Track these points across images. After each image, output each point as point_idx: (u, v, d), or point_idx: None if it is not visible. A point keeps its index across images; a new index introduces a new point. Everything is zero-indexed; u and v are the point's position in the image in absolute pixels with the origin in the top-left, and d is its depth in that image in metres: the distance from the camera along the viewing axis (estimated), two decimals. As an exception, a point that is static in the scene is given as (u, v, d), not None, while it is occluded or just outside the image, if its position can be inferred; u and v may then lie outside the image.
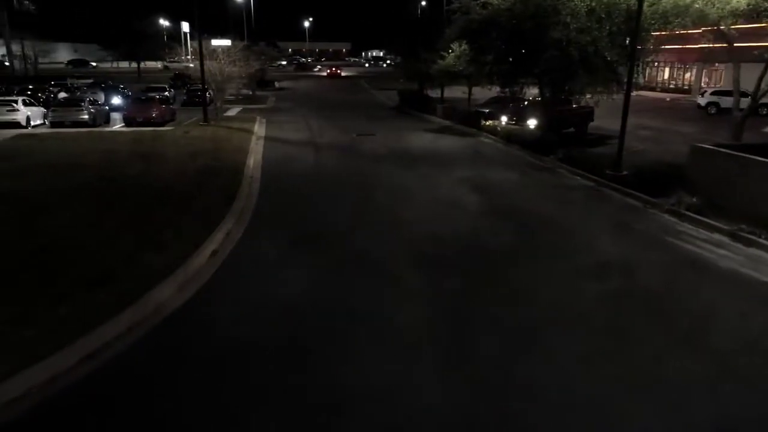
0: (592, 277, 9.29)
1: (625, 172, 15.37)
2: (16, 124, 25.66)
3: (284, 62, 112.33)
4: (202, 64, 26.14)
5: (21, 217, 11.21)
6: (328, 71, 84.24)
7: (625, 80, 15.84)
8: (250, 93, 45.69)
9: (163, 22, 77.32)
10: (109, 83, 44.96)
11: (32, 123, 26.66)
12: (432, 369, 6.44)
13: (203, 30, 29.60)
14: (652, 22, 17.27)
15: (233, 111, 35.53)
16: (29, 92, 37.65)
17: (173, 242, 9.86)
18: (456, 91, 35.27)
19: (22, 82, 46.21)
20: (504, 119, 26.53)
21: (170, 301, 7.97)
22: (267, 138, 24.01)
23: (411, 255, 10.16)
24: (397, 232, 11.53)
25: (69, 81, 49.69)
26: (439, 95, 36.18)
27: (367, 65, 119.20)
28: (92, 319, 6.99)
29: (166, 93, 39.36)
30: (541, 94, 21.18)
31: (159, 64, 61.90)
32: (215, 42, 31.12)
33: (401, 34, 41.39)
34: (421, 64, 35.23)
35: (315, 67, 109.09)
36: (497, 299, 8.39)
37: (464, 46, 26.36)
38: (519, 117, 26.39)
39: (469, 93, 30.84)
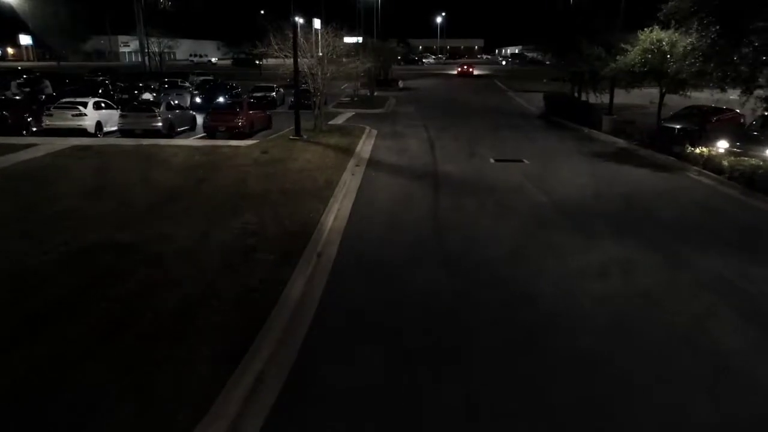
0: None
1: None
2: (83, 132, 21.55)
3: (428, 59, 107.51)
4: (295, 62, 20.03)
5: None
6: (458, 69, 76.33)
7: None
8: (368, 94, 39.82)
9: (299, 20, 75.07)
10: (218, 80, 41.44)
11: (105, 129, 22.47)
12: None
13: (329, 24, 24.50)
14: None
15: (342, 117, 29.53)
16: (136, 91, 34.91)
17: None
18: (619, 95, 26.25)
19: (136, 79, 44.36)
20: (723, 144, 17.47)
21: None
22: (370, 163, 17.28)
23: None
24: None
25: (190, 78, 47.44)
26: (598, 100, 27.38)
27: (504, 63, 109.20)
28: None
29: (273, 94, 34.58)
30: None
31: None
32: (348, 39, 26.55)
33: (553, 26, 32.89)
34: (581, 61, 26.84)
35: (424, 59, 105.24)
36: None
37: (672, 34, 17.74)
38: (741, 141, 17.26)
39: (660, 102, 21.68)
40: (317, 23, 24.34)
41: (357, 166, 16.62)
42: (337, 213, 11.55)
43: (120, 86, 37.28)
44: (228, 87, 37.53)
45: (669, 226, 11.38)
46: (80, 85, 37.39)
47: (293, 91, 31.63)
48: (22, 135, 21.54)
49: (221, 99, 28.99)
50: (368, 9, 65.29)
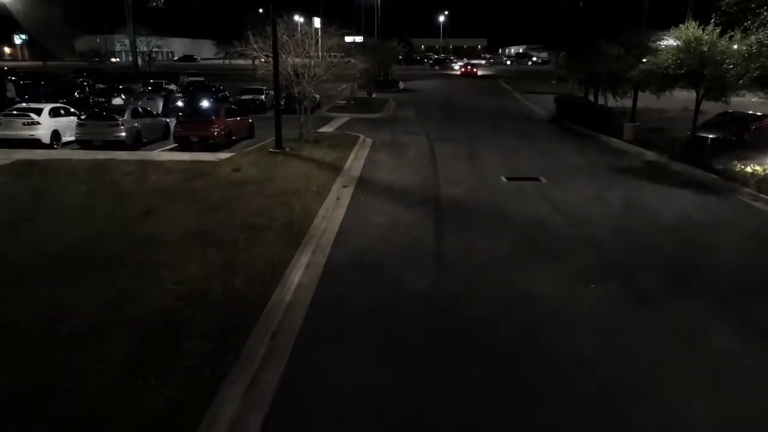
0: None
1: None
2: (36, 143, 18.93)
3: (431, 60, 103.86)
4: (275, 61, 17.34)
5: None
6: (462, 69, 74.36)
7: None
8: (366, 96, 37.22)
9: (299, 19, 72.58)
10: (206, 82, 38.88)
11: (64, 139, 19.82)
12: None
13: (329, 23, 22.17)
14: None
15: (335, 123, 26.97)
16: (115, 93, 32.23)
17: None
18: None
19: (122, 80, 41.85)
20: (777, 161, 14.82)
21: None
22: (360, 184, 14.61)
23: None
24: None
25: (180, 78, 44.88)
26: (618, 104, 24.58)
27: (508, 62, 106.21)
28: None
29: (263, 96, 31.89)
30: None
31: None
32: (349, 38, 24.52)
33: (565, 24, 30.23)
34: (597, 61, 24.21)
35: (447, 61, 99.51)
36: None
37: (713, 32, 15.08)
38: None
39: (697, 108, 18.86)
40: (317, 22, 21.95)
41: (344, 187, 13.96)
42: (309, 261, 8.89)
43: (99, 88, 34.63)
44: (213, 89, 34.93)
45: (752, 282, 8.63)
46: (55, 87, 34.81)
47: (284, 94, 28.78)
48: (-33, 146, 18.97)
49: (205, 103, 26.24)
50: (369, 8, 62.76)
